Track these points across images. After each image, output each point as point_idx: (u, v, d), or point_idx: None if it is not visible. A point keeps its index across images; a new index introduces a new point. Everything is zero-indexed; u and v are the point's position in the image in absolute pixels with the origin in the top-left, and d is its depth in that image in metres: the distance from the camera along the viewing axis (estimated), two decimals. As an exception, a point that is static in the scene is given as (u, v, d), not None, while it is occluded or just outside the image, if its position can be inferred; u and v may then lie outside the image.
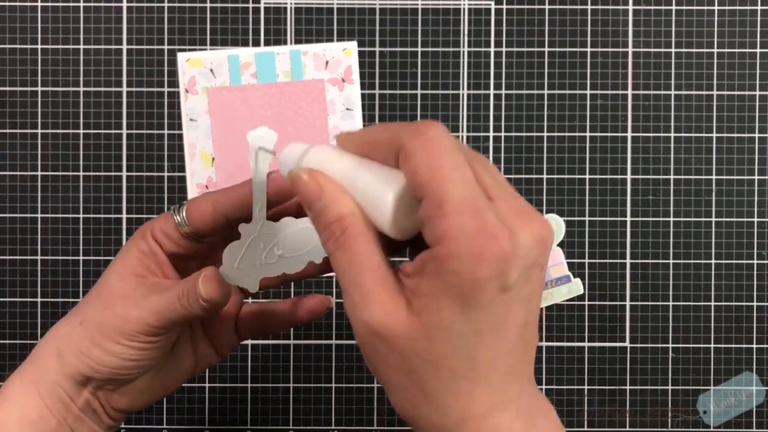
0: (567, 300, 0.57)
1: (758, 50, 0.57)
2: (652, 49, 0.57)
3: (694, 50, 0.57)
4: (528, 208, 0.27)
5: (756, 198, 0.57)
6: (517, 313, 0.26)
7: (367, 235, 0.27)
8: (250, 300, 0.41)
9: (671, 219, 0.57)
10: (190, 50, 0.57)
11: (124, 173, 0.57)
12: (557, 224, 0.57)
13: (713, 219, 0.57)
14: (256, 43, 0.57)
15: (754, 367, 0.57)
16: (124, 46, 0.57)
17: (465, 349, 0.26)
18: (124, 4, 0.57)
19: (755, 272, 0.57)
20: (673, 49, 0.57)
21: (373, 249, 0.27)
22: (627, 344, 0.57)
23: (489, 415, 0.26)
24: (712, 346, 0.57)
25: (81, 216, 0.57)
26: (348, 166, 0.29)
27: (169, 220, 0.36)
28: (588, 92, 0.57)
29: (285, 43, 0.57)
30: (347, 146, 0.29)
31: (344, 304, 0.28)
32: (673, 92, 0.57)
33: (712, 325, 0.57)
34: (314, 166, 0.29)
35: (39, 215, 0.56)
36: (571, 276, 0.57)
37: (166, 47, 0.57)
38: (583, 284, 0.57)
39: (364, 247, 0.27)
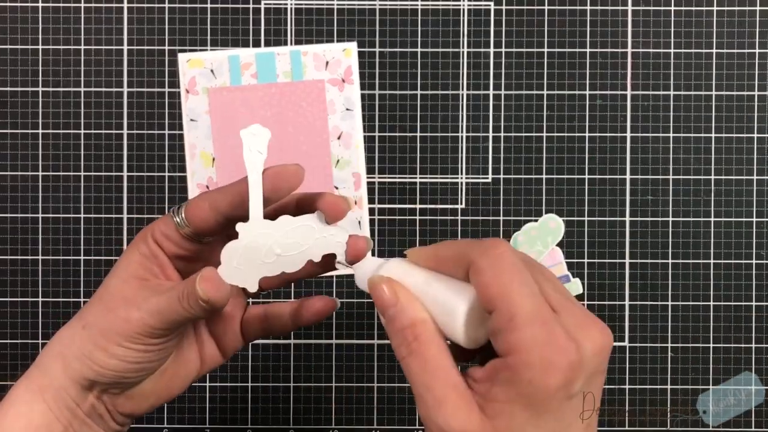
0: (566, 300, 0.57)
1: (758, 50, 0.57)
2: (651, 50, 0.57)
3: (693, 50, 0.57)
4: (589, 318, 0.29)
5: (755, 198, 0.57)
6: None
7: (438, 342, 0.30)
8: (251, 301, 0.41)
9: (670, 219, 0.57)
10: (190, 51, 0.57)
11: (125, 173, 0.57)
12: (557, 224, 0.57)
13: (712, 219, 0.57)
14: (257, 44, 0.57)
15: (754, 366, 0.57)
16: (125, 47, 0.57)
17: None
18: (125, 5, 0.57)
19: (755, 272, 0.57)
20: (672, 50, 0.57)
21: (444, 355, 0.30)
22: (626, 344, 0.57)
23: None
24: (711, 345, 0.57)
25: (82, 216, 0.57)
26: (421, 278, 0.32)
27: (169, 222, 0.36)
28: (587, 92, 0.57)
29: (285, 43, 0.57)
30: (418, 260, 0.32)
31: (417, 407, 0.30)
32: (672, 92, 0.57)
33: (711, 325, 0.57)
34: (391, 276, 0.32)
35: (40, 215, 0.57)
36: (570, 276, 0.57)
37: (166, 48, 0.57)
38: (583, 284, 0.57)
39: (435, 352, 0.30)
